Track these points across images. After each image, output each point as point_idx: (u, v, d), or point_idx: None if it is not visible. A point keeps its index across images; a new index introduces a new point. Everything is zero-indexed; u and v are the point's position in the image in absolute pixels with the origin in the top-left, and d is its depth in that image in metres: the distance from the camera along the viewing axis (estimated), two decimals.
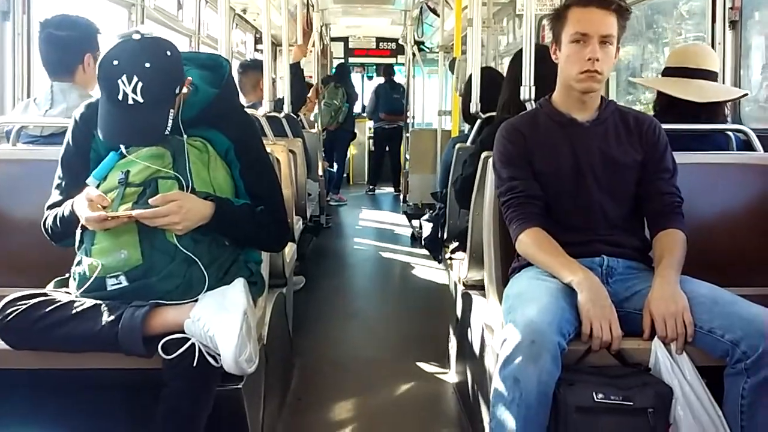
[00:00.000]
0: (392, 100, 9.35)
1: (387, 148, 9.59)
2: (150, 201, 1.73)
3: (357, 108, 9.92)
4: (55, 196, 1.94)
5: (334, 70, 9.64)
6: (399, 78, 9.91)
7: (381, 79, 9.78)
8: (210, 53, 2.09)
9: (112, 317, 1.68)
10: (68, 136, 1.94)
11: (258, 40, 8.30)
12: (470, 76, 3.63)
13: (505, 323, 1.75)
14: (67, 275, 1.88)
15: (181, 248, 1.76)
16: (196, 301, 1.74)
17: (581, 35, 1.90)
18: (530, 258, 1.96)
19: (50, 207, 1.93)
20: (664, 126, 2.09)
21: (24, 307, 1.71)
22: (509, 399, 1.62)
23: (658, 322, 1.73)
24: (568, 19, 1.94)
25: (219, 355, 1.65)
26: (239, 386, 1.74)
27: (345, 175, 9.82)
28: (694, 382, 1.65)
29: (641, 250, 2.01)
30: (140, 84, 1.68)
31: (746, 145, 2.47)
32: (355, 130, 9.33)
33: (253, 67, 4.37)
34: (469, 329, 2.53)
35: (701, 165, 2.31)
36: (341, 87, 8.53)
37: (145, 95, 1.69)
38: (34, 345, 1.72)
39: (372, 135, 9.99)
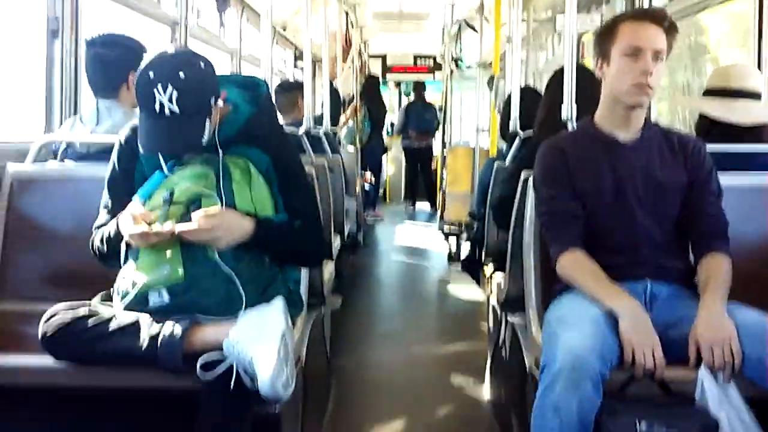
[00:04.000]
0: (424, 120, 9.28)
1: (419, 167, 9.56)
2: (192, 215, 1.75)
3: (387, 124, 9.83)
4: (102, 216, 1.98)
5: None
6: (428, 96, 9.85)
7: (411, 97, 9.74)
8: (248, 75, 2.12)
9: (153, 332, 1.70)
10: (113, 158, 1.98)
11: (298, 57, 8.39)
12: (510, 94, 3.61)
13: (545, 348, 1.72)
14: (110, 290, 1.91)
15: (222, 265, 1.77)
16: (236, 317, 1.75)
17: (635, 48, 1.88)
18: (570, 281, 1.92)
19: (97, 228, 1.97)
20: (708, 147, 2.05)
21: (68, 320, 1.74)
22: (549, 427, 1.59)
23: (704, 349, 1.68)
24: (620, 33, 1.91)
25: (257, 377, 1.65)
26: (277, 410, 1.74)
27: (382, 191, 9.81)
28: (742, 413, 1.59)
29: (686, 274, 1.96)
30: (175, 93, 1.72)
31: None
32: (387, 145, 9.23)
33: (291, 88, 4.41)
34: (507, 352, 2.50)
35: (747, 187, 2.26)
36: (363, 105, 8.23)
37: (181, 105, 1.73)
38: (77, 357, 1.75)
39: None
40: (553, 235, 1.97)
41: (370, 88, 8.81)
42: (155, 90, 1.72)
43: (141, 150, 1.82)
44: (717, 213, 1.98)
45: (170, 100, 1.72)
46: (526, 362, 2.03)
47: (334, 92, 5.07)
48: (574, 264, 1.91)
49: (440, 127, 8.88)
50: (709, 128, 2.37)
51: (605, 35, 1.96)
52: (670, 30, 1.91)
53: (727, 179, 2.06)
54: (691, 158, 1.99)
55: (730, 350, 1.66)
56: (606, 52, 1.95)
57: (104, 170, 2.01)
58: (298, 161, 2.04)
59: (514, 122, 3.42)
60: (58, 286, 2.22)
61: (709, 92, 2.46)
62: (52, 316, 1.76)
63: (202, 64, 1.81)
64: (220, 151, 1.85)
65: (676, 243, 1.99)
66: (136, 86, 1.77)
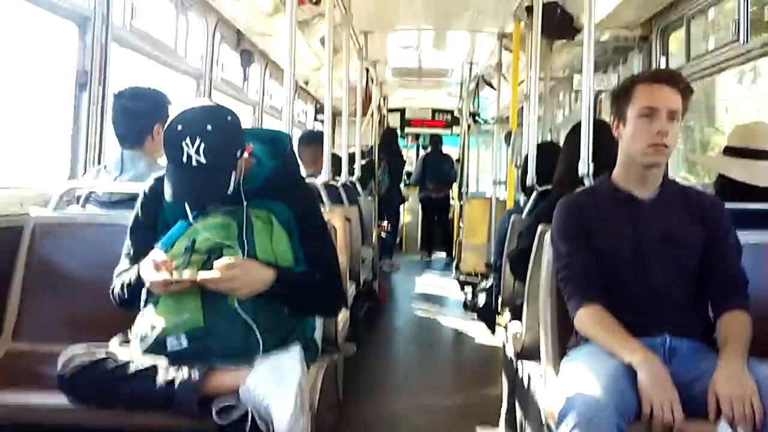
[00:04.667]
0: (441, 171, 9.33)
1: (436, 218, 9.58)
2: (214, 264, 1.77)
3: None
4: (124, 264, 2.01)
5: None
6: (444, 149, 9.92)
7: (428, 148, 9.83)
8: (271, 129, 2.18)
9: (169, 377, 1.72)
10: (137, 206, 2.02)
11: (318, 110, 8.53)
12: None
13: (562, 402, 1.70)
14: (129, 333, 1.92)
15: (242, 313, 1.79)
16: (252, 365, 1.75)
17: (649, 109, 1.91)
18: (589, 336, 1.91)
19: (119, 275, 1.99)
20: (727, 205, 2.05)
21: (86, 362, 1.77)
22: None
23: (724, 404, 1.66)
24: (636, 95, 1.94)
25: (272, 424, 1.64)
26: None
27: (398, 241, 9.81)
28: None
29: (705, 330, 1.94)
30: (203, 145, 1.76)
31: None
32: (404, 195, 9.26)
33: (314, 140, 4.40)
34: (523, 403, 2.47)
35: (766, 245, 2.25)
36: (383, 158, 8.21)
37: (208, 156, 1.77)
38: (95, 399, 1.76)
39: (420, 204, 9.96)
40: (572, 291, 1.96)
41: (388, 140, 8.86)
42: (183, 142, 1.77)
43: (167, 199, 1.85)
44: (736, 270, 1.97)
45: (198, 152, 1.76)
46: (543, 413, 2.01)
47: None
48: (591, 318, 1.90)
49: (458, 178, 8.92)
50: (729, 188, 2.37)
51: (621, 96, 1.99)
52: (685, 91, 1.94)
53: (746, 236, 2.06)
54: (709, 215, 1.99)
55: (750, 405, 1.64)
56: (622, 112, 1.98)
57: (124, 218, 2.05)
58: (319, 214, 2.06)
59: (532, 177, 3.45)
60: (75, 329, 2.23)
61: (729, 151, 2.46)
62: (70, 358, 1.78)
63: (229, 117, 1.85)
64: (245, 202, 1.88)
65: (695, 300, 1.97)
66: (164, 137, 1.82)
